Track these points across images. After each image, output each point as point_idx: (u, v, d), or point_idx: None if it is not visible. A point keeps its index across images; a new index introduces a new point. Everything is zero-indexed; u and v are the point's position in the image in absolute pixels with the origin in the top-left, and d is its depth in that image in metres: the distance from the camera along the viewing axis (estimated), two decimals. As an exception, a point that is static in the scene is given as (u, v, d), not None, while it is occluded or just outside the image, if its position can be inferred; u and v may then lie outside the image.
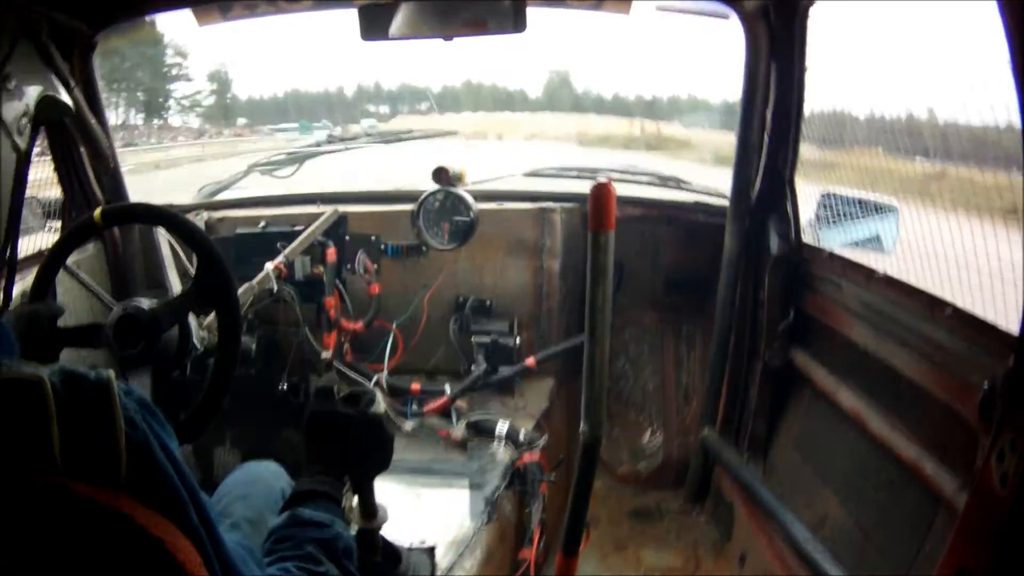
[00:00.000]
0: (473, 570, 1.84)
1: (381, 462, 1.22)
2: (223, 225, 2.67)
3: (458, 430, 2.37)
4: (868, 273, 1.90)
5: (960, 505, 1.33)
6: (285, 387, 2.54)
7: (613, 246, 1.46)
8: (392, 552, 1.55)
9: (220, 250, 1.43)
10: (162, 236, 2.48)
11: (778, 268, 2.25)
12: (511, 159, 3.16)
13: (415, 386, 2.54)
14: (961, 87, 1.45)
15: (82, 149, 2.24)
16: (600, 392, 1.52)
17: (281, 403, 2.56)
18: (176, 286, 2.39)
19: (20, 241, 1.79)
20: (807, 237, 2.28)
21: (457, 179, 2.55)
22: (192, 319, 1.56)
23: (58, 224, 2.27)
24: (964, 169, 1.65)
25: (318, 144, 3.31)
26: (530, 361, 2.60)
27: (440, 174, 2.53)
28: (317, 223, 2.54)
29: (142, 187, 2.68)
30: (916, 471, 1.58)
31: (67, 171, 2.26)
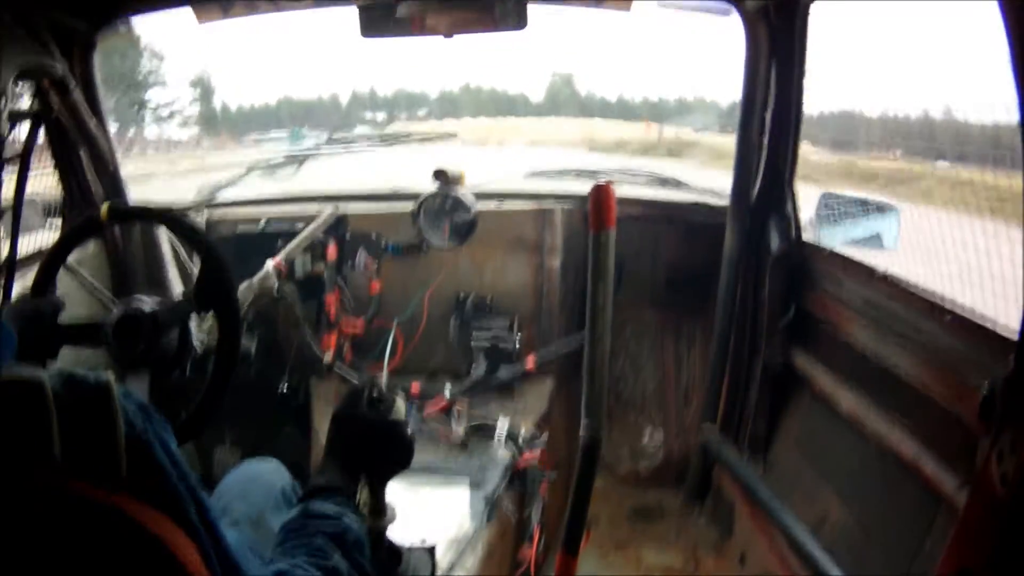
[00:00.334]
0: (473, 569, 1.85)
1: (400, 464, 1.22)
2: (223, 224, 2.67)
3: (458, 431, 2.37)
4: (869, 272, 1.90)
5: (960, 505, 1.33)
6: (285, 387, 2.54)
7: (614, 246, 1.46)
8: (393, 551, 1.55)
9: (221, 251, 1.43)
10: (163, 235, 2.48)
11: (778, 267, 2.25)
12: (515, 168, 3.15)
13: (415, 387, 2.54)
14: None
15: (81, 148, 2.24)
16: (600, 391, 1.52)
17: (281, 403, 2.56)
18: (177, 285, 2.39)
19: (20, 239, 1.81)
20: (807, 236, 2.28)
21: (457, 181, 2.56)
22: (192, 320, 1.56)
23: (58, 222, 2.27)
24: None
25: (317, 146, 3.31)
26: (529, 363, 2.60)
27: (440, 175, 2.54)
28: (317, 222, 2.54)
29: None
30: (916, 470, 1.58)
31: (67, 170, 2.26)
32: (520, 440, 2.31)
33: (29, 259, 1.93)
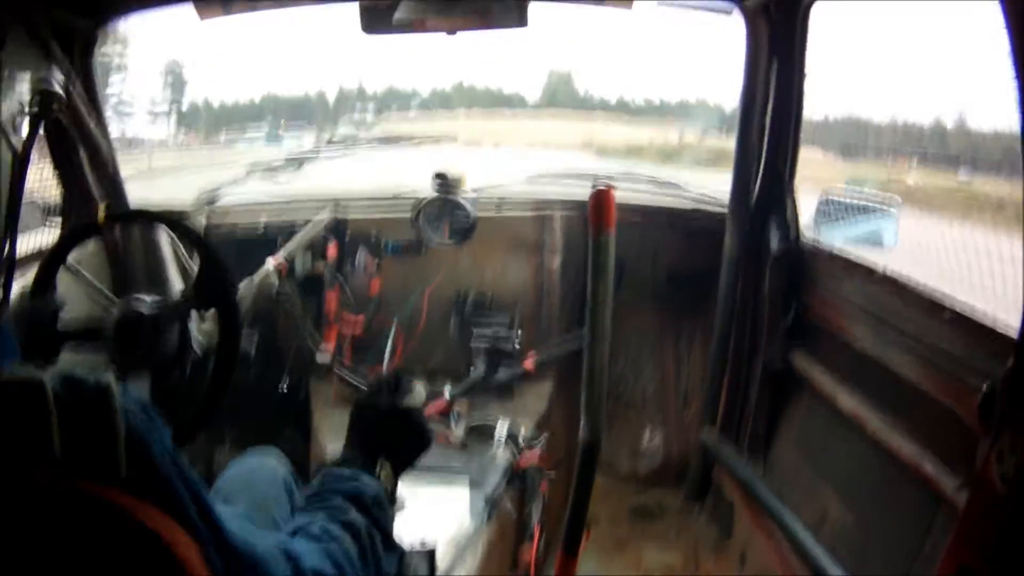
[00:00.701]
0: (473, 570, 1.84)
1: (417, 450, 1.24)
2: (223, 226, 2.66)
3: (458, 432, 2.37)
4: (868, 272, 1.90)
5: (960, 504, 1.33)
6: (285, 387, 2.54)
7: (614, 249, 1.47)
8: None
9: (220, 251, 1.43)
10: (163, 235, 2.47)
11: (778, 268, 2.25)
12: (514, 173, 3.14)
13: None
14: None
15: (81, 147, 2.24)
16: (600, 392, 1.52)
17: (281, 403, 2.56)
18: (177, 284, 2.39)
19: (19, 239, 1.80)
20: (807, 236, 2.28)
21: (457, 183, 2.55)
22: (192, 319, 1.56)
23: (58, 220, 2.27)
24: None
25: (316, 148, 3.31)
26: (528, 363, 2.59)
27: (439, 180, 2.54)
28: (315, 222, 2.54)
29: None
30: (916, 470, 1.58)
31: (66, 168, 2.25)
32: (520, 440, 2.30)
33: (28, 259, 1.93)
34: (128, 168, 2.41)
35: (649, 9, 2.41)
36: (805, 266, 2.22)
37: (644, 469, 2.85)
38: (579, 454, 1.58)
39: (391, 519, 1.10)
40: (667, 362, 2.92)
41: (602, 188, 1.46)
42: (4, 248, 1.47)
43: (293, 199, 2.81)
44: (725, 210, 2.44)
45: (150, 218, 1.62)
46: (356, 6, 2.10)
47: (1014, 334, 1.14)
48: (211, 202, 2.71)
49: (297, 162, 3.05)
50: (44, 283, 1.55)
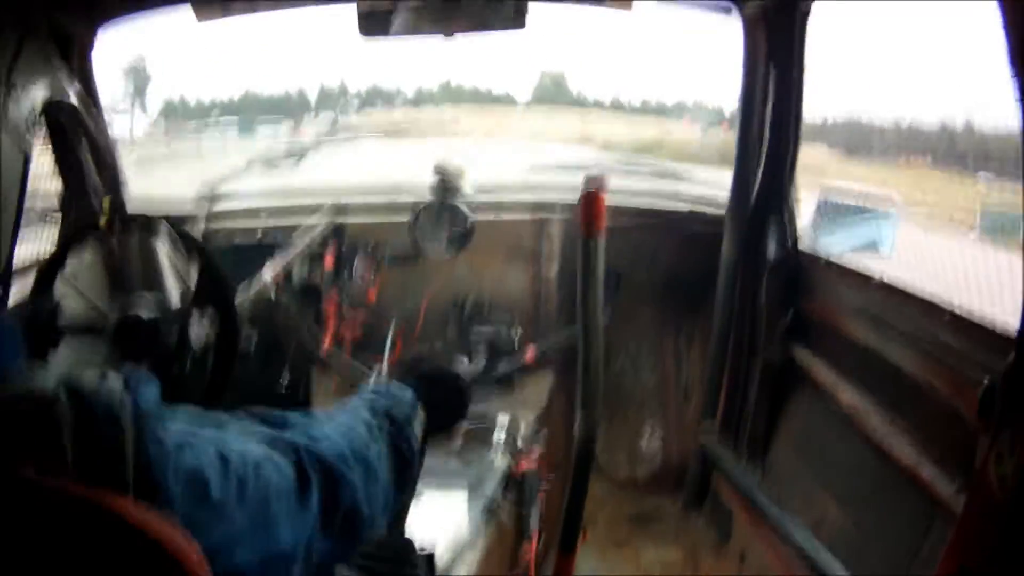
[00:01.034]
0: (472, 570, 1.84)
1: (454, 414, 1.30)
2: (220, 235, 2.66)
3: (455, 444, 2.35)
4: (865, 279, 1.91)
5: (958, 506, 1.33)
6: (284, 388, 2.54)
7: (603, 250, 1.48)
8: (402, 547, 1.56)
9: (219, 258, 1.44)
10: (162, 236, 2.46)
11: (776, 271, 2.25)
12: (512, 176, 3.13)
13: None
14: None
15: (81, 145, 2.24)
16: (595, 386, 1.53)
17: (280, 405, 2.56)
18: (174, 287, 2.38)
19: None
20: (805, 240, 2.28)
21: (457, 183, 2.55)
22: (192, 319, 1.57)
23: (58, 217, 2.27)
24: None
25: (316, 142, 3.31)
26: (529, 355, 2.58)
27: (440, 178, 2.53)
28: (313, 234, 2.54)
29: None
30: (915, 472, 1.58)
31: (68, 169, 2.25)
32: (519, 442, 2.30)
33: (28, 259, 1.93)
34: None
35: (649, 10, 2.41)
36: (803, 268, 2.22)
37: (643, 472, 2.85)
38: (574, 452, 1.58)
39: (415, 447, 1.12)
40: (666, 364, 2.92)
41: (592, 191, 1.47)
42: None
43: (292, 200, 2.81)
44: (722, 211, 2.44)
45: (154, 221, 1.62)
46: (353, 8, 2.10)
47: (1012, 334, 1.14)
48: (212, 198, 2.71)
49: (297, 156, 3.05)
50: (45, 281, 1.55)
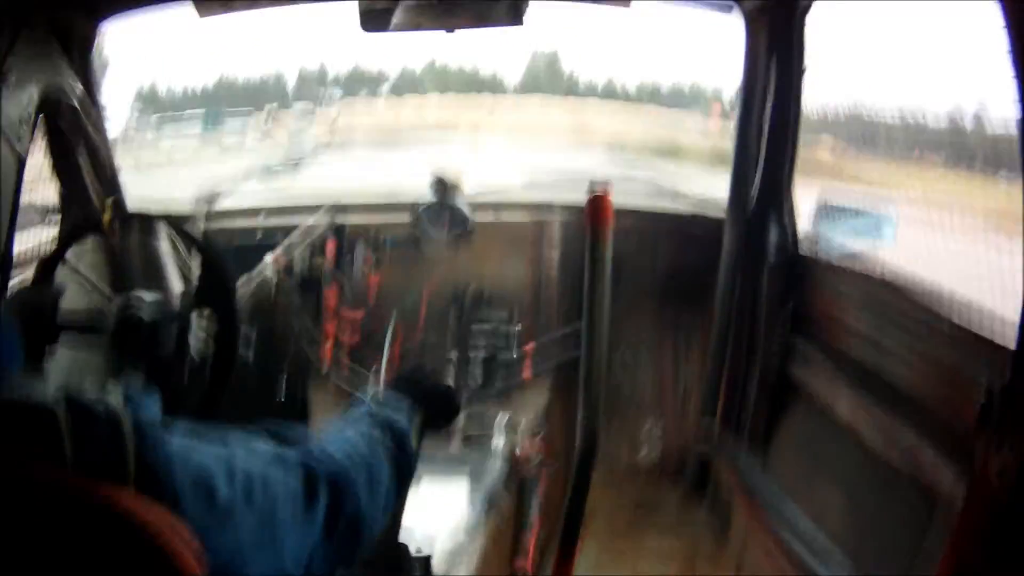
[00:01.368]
0: (471, 570, 1.84)
1: (442, 417, 1.31)
2: (220, 236, 2.65)
3: (454, 444, 2.36)
4: (865, 277, 1.91)
5: (958, 506, 1.33)
6: (283, 387, 2.54)
7: (610, 257, 1.48)
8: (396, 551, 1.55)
9: (223, 258, 1.44)
10: (162, 235, 2.47)
11: (776, 269, 2.25)
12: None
13: None
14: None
15: (79, 144, 2.23)
16: (598, 388, 1.53)
17: (279, 404, 2.56)
18: (175, 283, 2.38)
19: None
20: (804, 239, 2.28)
21: (454, 190, 2.55)
22: (192, 321, 1.57)
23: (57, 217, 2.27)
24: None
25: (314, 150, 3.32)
26: (527, 372, 2.59)
27: (437, 185, 2.53)
28: (312, 227, 2.54)
29: None
30: (914, 470, 1.58)
31: (65, 165, 2.25)
32: (518, 439, 2.30)
33: (26, 255, 1.93)
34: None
35: (648, 7, 2.40)
36: (803, 267, 2.22)
37: (643, 465, 2.85)
38: (576, 453, 1.58)
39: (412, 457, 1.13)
40: (666, 363, 2.92)
41: (599, 194, 1.47)
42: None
43: (291, 201, 2.80)
44: (722, 213, 2.44)
45: (155, 220, 1.62)
46: (349, 4, 2.10)
47: (1011, 341, 1.14)
48: (210, 201, 2.71)
49: (295, 162, 3.05)
50: (45, 274, 1.55)
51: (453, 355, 2.61)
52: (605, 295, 1.49)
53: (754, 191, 2.30)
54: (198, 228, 2.59)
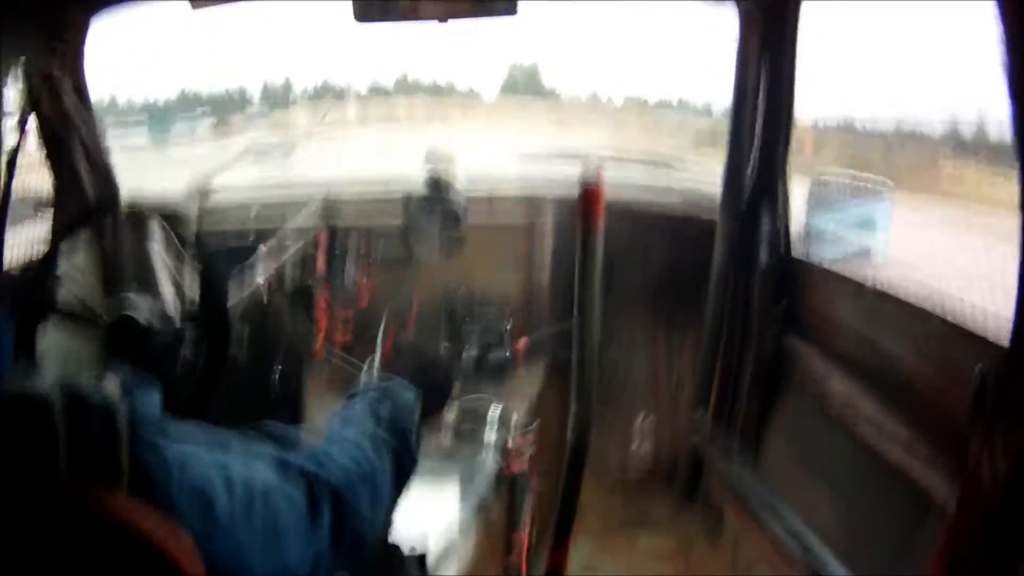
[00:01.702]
0: (464, 568, 1.85)
1: (437, 396, 1.33)
2: (213, 235, 2.64)
3: (447, 430, 2.36)
4: (859, 280, 1.92)
5: (951, 501, 1.34)
6: (276, 386, 2.54)
7: (602, 249, 1.47)
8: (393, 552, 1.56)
9: (219, 266, 1.44)
10: (155, 231, 2.46)
11: (769, 263, 2.25)
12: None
13: None
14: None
15: (71, 139, 2.21)
16: (589, 381, 1.53)
17: (272, 405, 2.56)
18: (167, 285, 2.38)
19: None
20: (802, 230, 2.28)
21: (448, 180, 2.54)
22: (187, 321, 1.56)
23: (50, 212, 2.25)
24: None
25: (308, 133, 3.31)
26: (521, 345, 2.59)
27: (432, 183, 2.52)
28: (304, 229, 2.54)
29: None
30: (907, 466, 1.59)
31: (57, 161, 2.23)
32: (510, 435, 2.30)
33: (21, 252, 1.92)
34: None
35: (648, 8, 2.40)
36: (796, 261, 2.22)
37: (635, 466, 2.86)
38: (568, 446, 1.58)
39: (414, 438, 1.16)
40: (658, 358, 2.92)
41: (591, 187, 1.46)
42: None
43: (283, 192, 2.79)
44: (715, 216, 2.44)
45: (148, 217, 1.62)
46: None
47: (1004, 339, 1.15)
48: (204, 192, 2.69)
49: (288, 146, 3.04)
50: (38, 270, 1.54)
51: (444, 349, 2.61)
52: (596, 289, 1.49)
53: (747, 184, 2.29)
54: (191, 226, 2.58)
